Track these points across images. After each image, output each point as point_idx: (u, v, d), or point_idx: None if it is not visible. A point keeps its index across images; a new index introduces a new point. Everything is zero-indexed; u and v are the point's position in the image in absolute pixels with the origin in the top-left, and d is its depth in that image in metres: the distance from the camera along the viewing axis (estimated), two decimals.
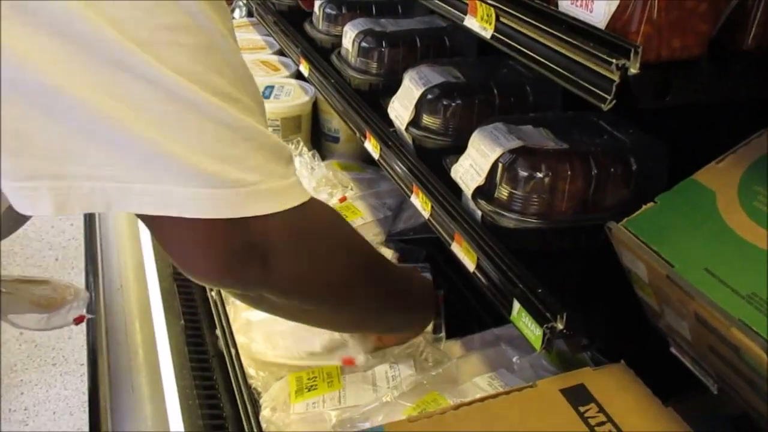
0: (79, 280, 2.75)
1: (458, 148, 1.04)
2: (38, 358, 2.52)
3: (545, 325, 0.78)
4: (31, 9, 0.50)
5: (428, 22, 1.52)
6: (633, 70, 0.58)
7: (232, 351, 1.11)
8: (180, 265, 0.67)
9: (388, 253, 1.45)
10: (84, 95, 0.53)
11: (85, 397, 2.32)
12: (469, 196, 0.94)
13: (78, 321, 1.05)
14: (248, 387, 1.07)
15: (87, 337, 1.26)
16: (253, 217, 0.61)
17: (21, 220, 0.82)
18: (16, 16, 0.50)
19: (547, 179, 0.87)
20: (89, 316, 1.10)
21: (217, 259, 0.64)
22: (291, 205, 0.64)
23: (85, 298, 1.07)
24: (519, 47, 0.73)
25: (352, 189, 1.65)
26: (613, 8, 0.61)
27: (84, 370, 2.46)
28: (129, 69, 0.53)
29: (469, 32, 0.85)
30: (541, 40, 0.69)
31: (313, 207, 0.68)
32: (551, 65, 0.67)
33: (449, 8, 0.88)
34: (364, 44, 1.40)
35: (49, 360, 2.52)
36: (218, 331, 1.17)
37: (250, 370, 1.12)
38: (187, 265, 0.66)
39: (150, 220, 0.63)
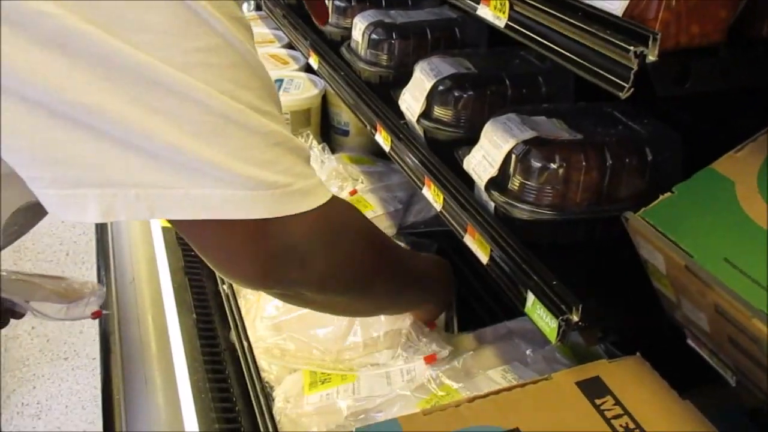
0: (90, 274, 2.78)
1: (470, 139, 1.03)
2: (50, 353, 2.54)
3: (560, 317, 0.77)
4: (61, 39, 0.53)
5: (438, 13, 1.51)
6: (651, 58, 0.57)
7: (245, 344, 1.11)
8: (223, 271, 0.70)
9: None
10: (122, 111, 0.55)
11: (97, 392, 2.35)
12: (482, 188, 0.93)
13: (95, 316, 1.06)
14: (261, 380, 1.07)
15: (99, 330, 1.26)
16: (288, 217, 0.64)
17: (25, 228, 0.82)
18: (55, 48, 0.53)
19: (561, 170, 0.86)
20: (105, 311, 1.11)
21: (259, 263, 0.67)
22: (320, 203, 0.67)
23: (102, 295, 1.08)
24: (533, 36, 0.72)
25: (362, 182, 1.65)
26: None
27: (96, 364, 2.47)
28: (164, 85, 0.56)
29: (480, 23, 0.85)
30: (557, 28, 0.68)
31: (334, 203, 0.71)
32: (567, 54, 0.66)
33: None
34: (374, 36, 1.39)
35: (60, 354, 2.53)
36: (231, 328, 1.17)
37: (262, 363, 1.12)
38: (230, 271, 0.69)
39: (192, 230, 0.66)
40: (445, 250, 1.45)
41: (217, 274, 0.70)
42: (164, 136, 0.57)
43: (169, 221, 0.64)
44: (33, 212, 0.77)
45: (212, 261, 0.69)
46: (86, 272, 2.83)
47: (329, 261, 0.72)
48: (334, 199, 0.71)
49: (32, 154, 0.57)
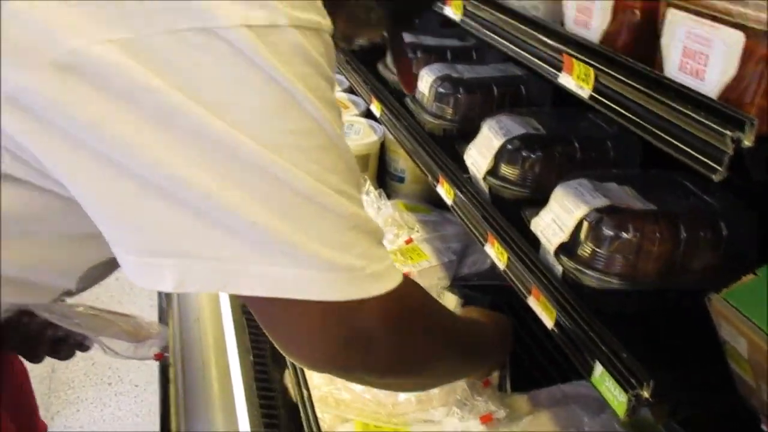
0: (139, 301, 2.82)
1: (536, 199, 1.03)
2: (95, 376, 2.57)
3: (631, 392, 0.76)
4: (164, 115, 0.55)
5: (503, 70, 1.52)
6: (747, 143, 0.57)
7: (305, 393, 1.10)
8: (288, 351, 0.68)
9: (453, 299, 1.44)
10: (210, 185, 0.57)
11: (139, 419, 2.36)
12: (551, 252, 0.92)
13: (158, 357, 1.08)
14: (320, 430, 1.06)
15: (159, 366, 1.28)
16: (359, 301, 0.63)
17: (99, 278, 0.85)
18: (157, 122, 0.55)
19: (634, 240, 0.86)
20: (167, 354, 1.13)
21: (325, 346, 0.66)
22: (392, 286, 0.66)
23: (165, 337, 1.10)
24: (619, 110, 0.72)
25: (417, 231, 1.65)
26: (728, 78, 0.60)
27: (138, 391, 2.50)
28: (254, 164, 0.57)
29: (545, 81, 0.85)
30: (646, 104, 0.68)
31: (404, 286, 0.69)
32: (656, 131, 0.66)
33: (543, 64, 0.88)
34: (441, 89, 1.41)
35: (105, 379, 2.56)
36: (289, 373, 1.16)
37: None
38: (295, 352, 0.68)
39: (261, 307, 0.66)
40: (498, 304, 1.44)
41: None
42: (248, 214, 0.57)
43: (240, 296, 0.64)
44: (110, 265, 0.79)
45: (278, 340, 0.68)
46: (135, 298, 2.87)
47: (395, 348, 0.71)
48: (405, 281, 0.70)
49: (118, 220, 0.59)
